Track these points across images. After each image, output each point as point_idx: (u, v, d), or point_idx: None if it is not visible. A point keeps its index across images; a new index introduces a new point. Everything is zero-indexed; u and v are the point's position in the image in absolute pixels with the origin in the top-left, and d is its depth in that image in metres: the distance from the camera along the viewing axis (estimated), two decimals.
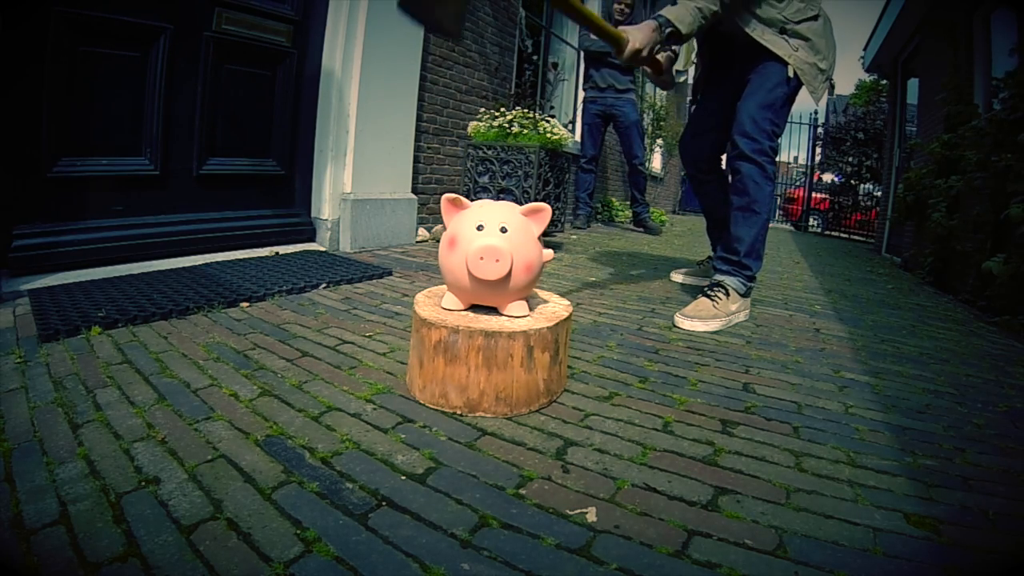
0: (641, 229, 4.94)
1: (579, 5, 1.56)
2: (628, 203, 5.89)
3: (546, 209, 1.13)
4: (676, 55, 2.05)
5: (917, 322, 2.36)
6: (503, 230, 1.08)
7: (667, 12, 1.70)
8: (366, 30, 2.58)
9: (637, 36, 1.68)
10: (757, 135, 1.87)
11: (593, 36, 4.41)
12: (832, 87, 2.10)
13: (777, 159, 2.04)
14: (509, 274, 1.06)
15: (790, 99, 1.91)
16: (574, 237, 3.97)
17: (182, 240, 2.16)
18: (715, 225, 2.30)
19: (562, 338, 1.17)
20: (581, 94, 5.44)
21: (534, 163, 2.97)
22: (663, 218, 6.11)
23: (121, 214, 2.02)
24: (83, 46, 1.85)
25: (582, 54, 5.45)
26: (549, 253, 1.18)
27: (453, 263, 1.10)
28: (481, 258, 1.04)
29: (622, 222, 5.45)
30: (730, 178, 1.99)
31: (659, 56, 1.87)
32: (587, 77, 4.69)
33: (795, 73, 1.83)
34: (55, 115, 1.80)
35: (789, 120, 1.97)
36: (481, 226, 1.08)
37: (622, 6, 4.41)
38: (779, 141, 1.96)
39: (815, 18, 1.87)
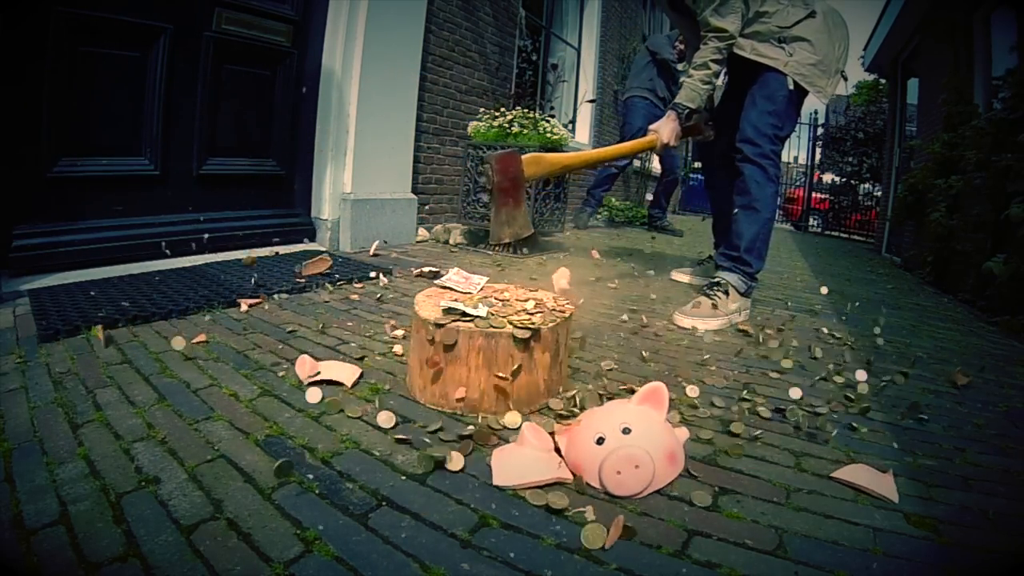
0: (657, 231, 4.95)
1: (619, 149, 2.15)
2: (630, 203, 5.91)
3: (660, 388, 0.96)
4: (713, 102, 2.19)
5: (917, 322, 2.36)
6: (626, 431, 0.91)
7: (679, 98, 1.93)
8: (366, 30, 2.58)
9: (664, 132, 1.94)
10: (758, 139, 1.93)
11: (657, 53, 4.49)
12: (845, 79, 2.12)
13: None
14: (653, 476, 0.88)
15: (795, 102, 1.94)
16: (574, 237, 3.97)
17: (182, 240, 2.16)
18: (722, 223, 2.33)
19: (562, 338, 1.17)
20: (584, 88, 5.40)
21: None
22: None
23: (121, 214, 2.02)
24: (83, 46, 1.85)
25: (580, 55, 5.46)
26: (683, 432, 1.01)
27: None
28: (618, 472, 0.86)
29: (622, 222, 5.45)
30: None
31: (694, 123, 2.06)
32: (647, 78, 4.57)
33: (794, 83, 1.87)
34: (55, 115, 1.80)
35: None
36: (601, 438, 0.91)
37: (681, 47, 4.54)
38: (782, 144, 1.98)
39: (811, 15, 1.88)
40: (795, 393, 1.28)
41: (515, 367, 1.08)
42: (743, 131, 1.95)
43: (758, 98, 1.94)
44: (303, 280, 1.96)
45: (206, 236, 2.23)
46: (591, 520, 0.79)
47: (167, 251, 1.85)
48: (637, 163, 6.23)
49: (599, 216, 5.21)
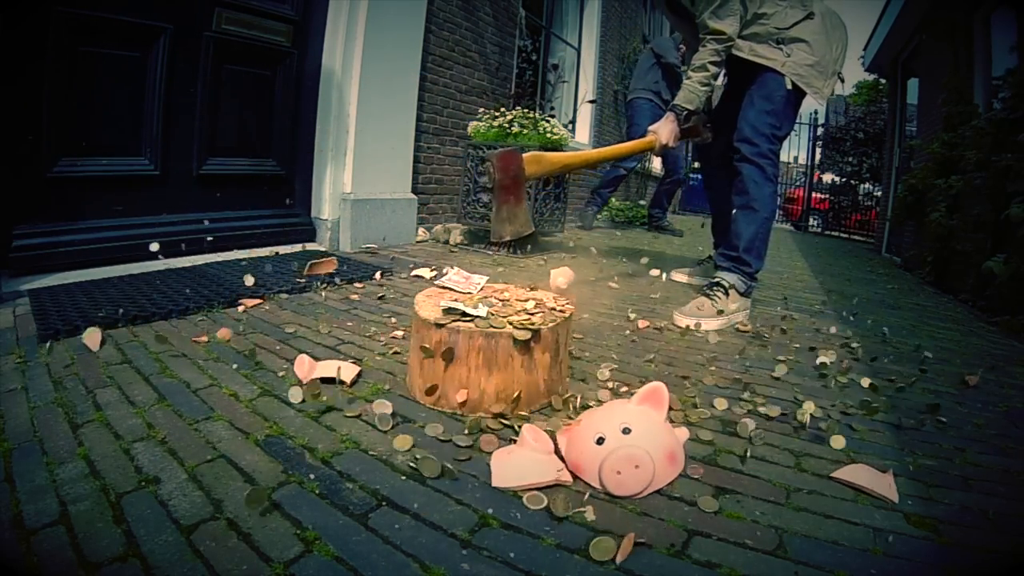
0: (656, 231, 4.96)
1: (618, 150, 2.13)
2: (629, 203, 5.92)
3: (660, 388, 0.95)
4: (710, 105, 2.21)
5: (917, 322, 2.36)
6: (626, 431, 0.90)
7: (677, 100, 1.95)
8: (366, 30, 2.58)
9: (663, 133, 1.96)
10: (756, 139, 1.94)
11: (662, 57, 4.48)
12: (842, 80, 2.14)
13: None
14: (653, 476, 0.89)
15: (792, 102, 1.95)
16: (575, 237, 3.97)
17: (182, 240, 2.16)
18: (721, 224, 2.34)
19: (562, 338, 1.17)
20: (584, 88, 5.40)
21: None
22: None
23: (121, 214, 2.02)
24: (83, 46, 1.85)
25: (580, 55, 5.46)
26: (683, 432, 1.01)
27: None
28: (618, 472, 0.86)
29: (622, 222, 5.45)
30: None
31: (692, 125, 2.08)
32: (652, 80, 4.59)
33: (792, 83, 1.88)
34: (55, 115, 1.80)
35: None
36: (601, 439, 0.90)
37: (685, 48, 4.61)
38: (780, 144, 1.99)
39: (809, 17, 1.89)
40: (796, 393, 1.28)
41: (515, 395, 1.08)
42: (741, 131, 1.96)
43: (756, 98, 1.95)
44: (303, 280, 1.96)
45: (207, 237, 2.23)
46: (591, 520, 0.79)
47: (160, 254, 1.84)
48: (639, 165, 6.24)
49: (599, 216, 5.22)
